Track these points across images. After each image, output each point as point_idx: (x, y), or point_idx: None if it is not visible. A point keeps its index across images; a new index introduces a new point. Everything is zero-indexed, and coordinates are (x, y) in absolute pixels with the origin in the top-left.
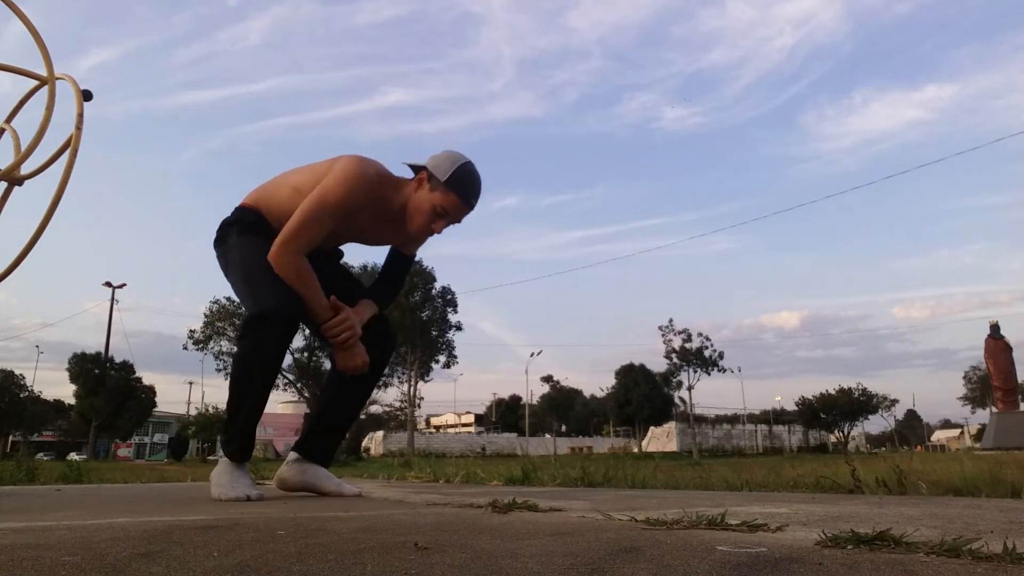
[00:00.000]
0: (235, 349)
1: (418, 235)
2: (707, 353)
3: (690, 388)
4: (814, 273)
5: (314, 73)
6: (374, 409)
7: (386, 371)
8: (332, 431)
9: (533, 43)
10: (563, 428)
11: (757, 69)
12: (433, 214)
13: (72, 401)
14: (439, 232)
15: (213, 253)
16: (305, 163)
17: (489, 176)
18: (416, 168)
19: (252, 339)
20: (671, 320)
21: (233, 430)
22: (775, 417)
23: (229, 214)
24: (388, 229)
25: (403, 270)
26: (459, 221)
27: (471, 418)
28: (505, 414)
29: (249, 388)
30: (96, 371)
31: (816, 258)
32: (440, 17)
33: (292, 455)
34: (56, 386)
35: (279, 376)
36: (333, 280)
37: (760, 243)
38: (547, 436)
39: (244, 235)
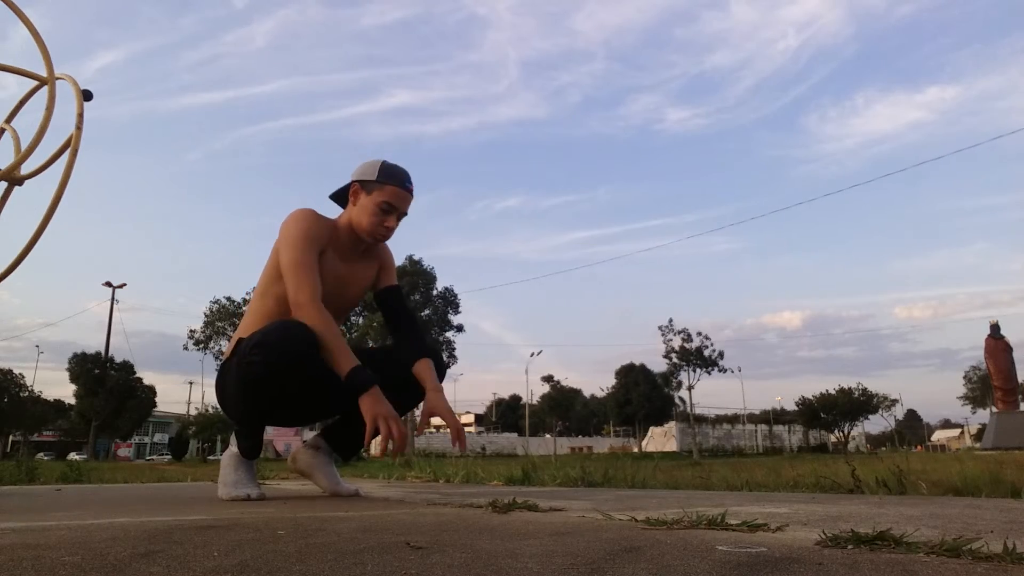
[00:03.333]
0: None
1: (371, 232)
2: (707, 352)
3: (690, 388)
4: (816, 273)
5: (319, 75)
6: None
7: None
8: (349, 428)
9: (537, 45)
10: (559, 426)
11: (760, 71)
12: (380, 212)
13: (72, 401)
14: (392, 227)
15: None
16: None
17: (492, 177)
18: (341, 195)
19: (244, 362)
20: (671, 320)
21: (239, 431)
22: (775, 417)
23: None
24: (356, 269)
25: (399, 302)
26: (405, 212)
27: (471, 418)
28: (505, 414)
29: (236, 409)
30: (96, 371)
31: (819, 258)
32: (445, 19)
33: (314, 437)
34: (56, 386)
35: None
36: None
37: (762, 243)
38: (547, 436)
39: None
